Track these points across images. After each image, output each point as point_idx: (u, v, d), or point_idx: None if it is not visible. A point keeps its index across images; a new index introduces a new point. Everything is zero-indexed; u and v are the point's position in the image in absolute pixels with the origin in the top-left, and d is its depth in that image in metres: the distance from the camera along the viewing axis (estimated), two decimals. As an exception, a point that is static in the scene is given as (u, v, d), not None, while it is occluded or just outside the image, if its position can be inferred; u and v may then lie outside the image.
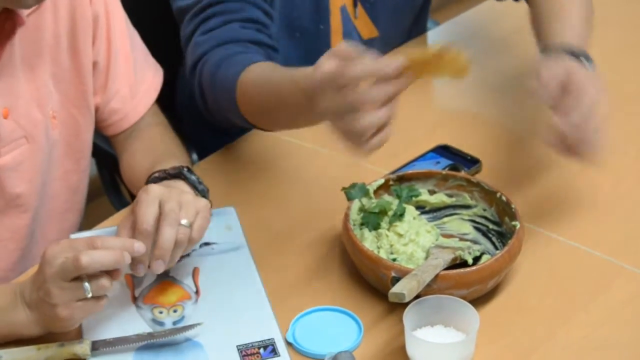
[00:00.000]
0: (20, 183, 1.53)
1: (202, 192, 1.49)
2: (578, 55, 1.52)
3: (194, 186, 1.48)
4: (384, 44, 1.97)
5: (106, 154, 1.97)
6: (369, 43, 1.94)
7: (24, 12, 1.44)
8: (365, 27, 1.92)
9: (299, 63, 1.80)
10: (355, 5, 1.88)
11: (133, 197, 1.94)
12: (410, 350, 1.32)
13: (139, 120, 1.67)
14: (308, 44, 1.86)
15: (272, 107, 1.51)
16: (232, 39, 1.64)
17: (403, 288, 1.31)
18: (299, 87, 1.36)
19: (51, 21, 1.51)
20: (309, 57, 1.84)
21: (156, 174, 1.49)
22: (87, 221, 1.77)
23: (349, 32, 1.90)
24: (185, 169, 1.49)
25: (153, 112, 1.70)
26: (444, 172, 1.57)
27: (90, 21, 1.56)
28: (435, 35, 2.12)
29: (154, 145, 1.64)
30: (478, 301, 1.40)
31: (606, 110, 1.46)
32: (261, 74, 1.54)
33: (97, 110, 1.64)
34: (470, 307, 1.32)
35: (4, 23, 1.43)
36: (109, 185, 2.14)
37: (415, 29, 2.07)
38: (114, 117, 1.66)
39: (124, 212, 1.66)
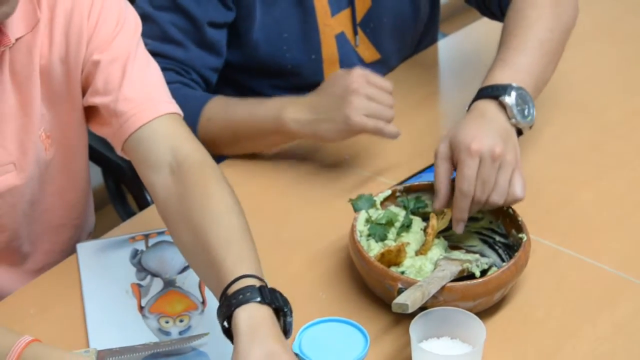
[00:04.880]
0: (2, 206, 1.51)
1: (287, 336, 1.28)
2: (498, 95, 1.52)
3: (286, 329, 1.26)
4: (386, 65, 1.98)
5: (112, 163, 1.97)
6: (371, 66, 1.94)
7: (11, 32, 1.40)
8: (367, 51, 1.93)
9: (290, 92, 1.85)
10: (355, 33, 1.89)
11: (140, 206, 1.95)
12: (416, 362, 1.31)
13: (169, 145, 1.44)
14: (301, 75, 1.88)
15: (240, 138, 1.71)
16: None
17: (407, 299, 1.31)
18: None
19: (45, 46, 1.45)
20: (303, 88, 1.87)
21: (256, 291, 1.24)
22: (94, 231, 1.77)
23: (349, 59, 1.91)
24: (287, 308, 1.26)
25: (191, 142, 1.46)
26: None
27: (84, 31, 1.46)
28: (444, 48, 2.12)
29: (221, 206, 1.36)
30: (485, 313, 1.40)
31: (507, 156, 1.46)
32: (227, 110, 1.71)
33: (99, 114, 1.52)
34: (476, 319, 1.32)
35: None
36: (115, 195, 2.14)
37: (423, 43, 2.07)
38: (120, 120, 1.48)
39: (130, 222, 1.66)
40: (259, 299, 1.23)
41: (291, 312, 1.26)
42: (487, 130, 1.48)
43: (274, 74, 1.87)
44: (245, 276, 1.26)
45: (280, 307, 1.25)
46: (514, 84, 1.54)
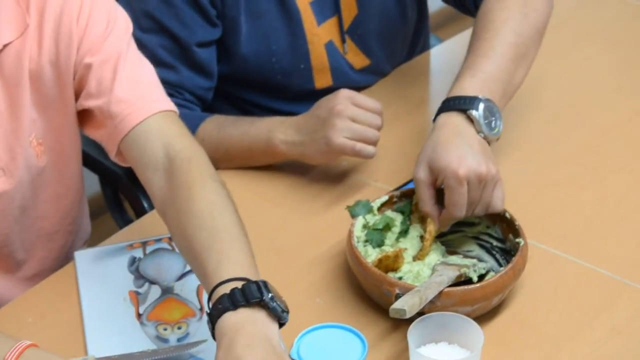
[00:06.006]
0: None
1: (283, 319, 1.25)
2: (467, 109, 1.50)
3: (275, 315, 1.24)
4: (378, 71, 1.98)
5: (109, 171, 1.97)
6: (362, 72, 1.94)
7: None
8: (356, 58, 1.93)
9: (283, 105, 1.85)
10: (343, 41, 1.89)
11: (137, 214, 1.95)
12: (414, 367, 1.31)
13: (161, 141, 1.44)
14: (291, 84, 1.88)
15: (233, 157, 1.73)
16: None
17: (404, 304, 1.31)
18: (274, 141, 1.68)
19: (35, 51, 1.45)
20: (295, 97, 1.87)
21: (226, 300, 1.22)
22: (91, 238, 1.77)
23: (339, 66, 1.91)
24: (268, 295, 1.23)
25: (183, 138, 1.46)
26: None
27: (74, 35, 1.46)
28: (439, 53, 2.12)
29: (203, 208, 1.35)
30: (482, 318, 1.40)
31: (487, 169, 1.45)
32: (222, 129, 1.74)
33: (94, 117, 1.51)
34: (474, 324, 1.32)
35: None
36: (113, 203, 2.14)
37: (416, 49, 2.07)
38: (114, 122, 1.47)
39: (128, 230, 1.66)
40: (231, 307, 1.22)
41: (274, 299, 1.23)
42: (466, 149, 1.46)
43: (264, 85, 1.88)
44: (221, 284, 1.25)
45: (258, 299, 1.22)
46: (481, 96, 1.51)
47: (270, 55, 1.84)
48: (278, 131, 1.68)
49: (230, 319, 1.21)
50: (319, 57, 1.87)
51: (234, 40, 1.81)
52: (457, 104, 1.51)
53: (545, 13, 1.70)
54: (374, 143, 1.63)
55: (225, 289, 1.23)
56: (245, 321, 1.21)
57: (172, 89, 1.75)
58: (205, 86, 1.82)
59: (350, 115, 1.61)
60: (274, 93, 1.89)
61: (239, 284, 1.23)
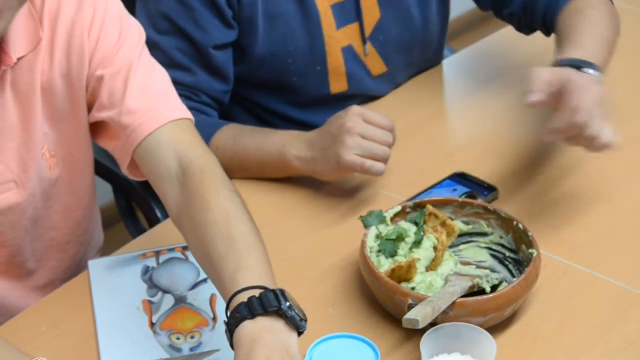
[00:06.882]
0: (3, 222, 1.51)
1: (301, 328, 1.25)
2: (580, 66, 1.55)
3: (293, 323, 1.23)
4: (392, 80, 1.98)
5: (122, 180, 1.98)
6: (377, 79, 1.95)
7: (13, 51, 1.40)
8: (375, 63, 1.93)
9: (297, 112, 1.85)
10: (364, 43, 1.90)
11: (150, 223, 1.96)
12: (427, 377, 1.31)
13: (176, 151, 1.44)
14: (306, 87, 1.89)
15: (246, 167, 1.74)
16: None
17: (417, 314, 1.31)
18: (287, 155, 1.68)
19: (46, 64, 1.45)
20: (311, 102, 1.88)
21: (244, 309, 1.23)
22: (104, 248, 1.78)
23: (355, 72, 1.91)
24: (285, 304, 1.23)
25: (196, 147, 1.46)
26: (460, 199, 1.57)
27: (85, 48, 1.46)
28: (452, 64, 2.12)
29: (218, 217, 1.35)
30: (495, 329, 1.40)
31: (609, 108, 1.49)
32: (237, 139, 1.74)
33: (108, 128, 1.52)
34: (487, 335, 1.32)
35: None
36: (126, 212, 2.14)
37: (430, 60, 2.07)
38: (126, 132, 1.47)
39: (141, 239, 1.67)
40: (248, 315, 1.22)
41: (292, 307, 1.22)
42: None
43: (279, 87, 1.88)
44: (238, 292, 1.25)
45: (276, 308, 1.22)
46: (596, 63, 1.57)
47: (286, 56, 1.84)
48: (291, 146, 1.68)
49: (248, 328, 1.21)
50: (335, 60, 1.87)
51: (250, 41, 1.82)
52: (572, 63, 1.56)
53: (619, 22, 1.79)
54: (384, 160, 1.63)
55: (243, 297, 1.23)
56: (263, 331, 1.21)
57: (188, 90, 1.75)
58: (221, 89, 1.82)
59: (360, 132, 1.61)
60: (288, 96, 1.89)
61: (257, 292, 1.23)
